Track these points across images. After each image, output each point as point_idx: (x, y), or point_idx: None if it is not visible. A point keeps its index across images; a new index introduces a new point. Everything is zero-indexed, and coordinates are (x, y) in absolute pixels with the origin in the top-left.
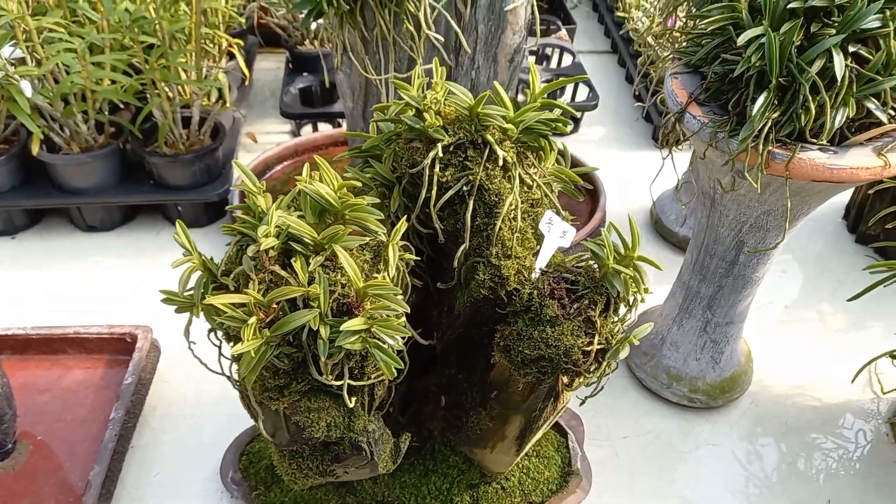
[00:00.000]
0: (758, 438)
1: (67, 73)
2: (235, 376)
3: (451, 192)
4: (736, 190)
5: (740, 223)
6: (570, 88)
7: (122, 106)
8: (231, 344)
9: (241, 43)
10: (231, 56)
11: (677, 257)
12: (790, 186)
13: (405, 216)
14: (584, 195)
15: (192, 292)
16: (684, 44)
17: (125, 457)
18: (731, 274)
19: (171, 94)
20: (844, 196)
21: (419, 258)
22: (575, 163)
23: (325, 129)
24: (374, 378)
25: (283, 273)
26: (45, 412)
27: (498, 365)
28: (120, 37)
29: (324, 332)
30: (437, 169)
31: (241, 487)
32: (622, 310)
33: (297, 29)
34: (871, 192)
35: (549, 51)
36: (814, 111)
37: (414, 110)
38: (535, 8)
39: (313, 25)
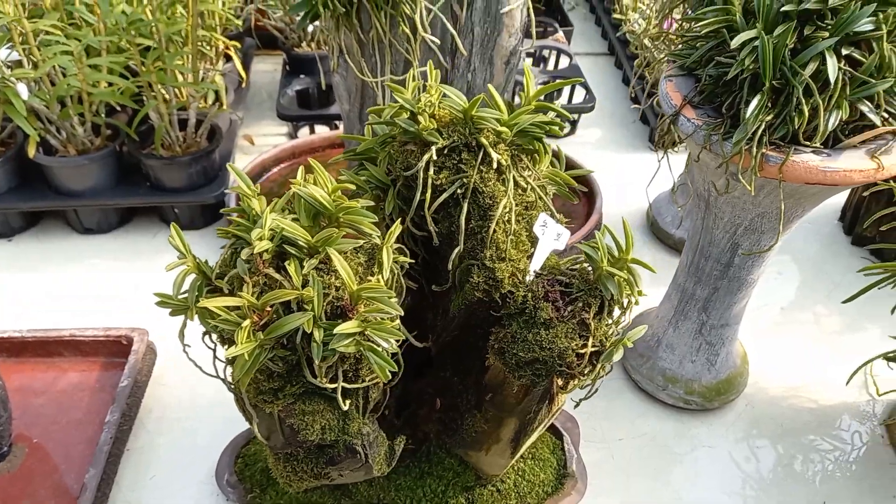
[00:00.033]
0: (754, 440)
1: (64, 75)
2: (230, 379)
3: (445, 195)
4: (730, 192)
5: (735, 225)
6: (566, 90)
7: (118, 108)
8: (225, 347)
9: (238, 45)
10: (228, 58)
11: (674, 259)
12: (784, 189)
13: (400, 219)
14: (580, 197)
15: (186, 295)
16: (679, 46)
17: (121, 459)
18: (726, 276)
19: (167, 97)
20: (840, 198)
21: (414, 261)
22: (571, 165)
23: (322, 131)
24: (369, 381)
25: (277, 276)
26: (41, 415)
27: (492, 367)
28: (117, 39)
29: (317, 335)
30: (431, 172)
31: (237, 490)
32: (616, 312)
33: (294, 31)
34: (865, 193)
35: (546, 53)
36: (807, 114)
37: (408, 113)
38: (531, 10)
39: (310, 28)
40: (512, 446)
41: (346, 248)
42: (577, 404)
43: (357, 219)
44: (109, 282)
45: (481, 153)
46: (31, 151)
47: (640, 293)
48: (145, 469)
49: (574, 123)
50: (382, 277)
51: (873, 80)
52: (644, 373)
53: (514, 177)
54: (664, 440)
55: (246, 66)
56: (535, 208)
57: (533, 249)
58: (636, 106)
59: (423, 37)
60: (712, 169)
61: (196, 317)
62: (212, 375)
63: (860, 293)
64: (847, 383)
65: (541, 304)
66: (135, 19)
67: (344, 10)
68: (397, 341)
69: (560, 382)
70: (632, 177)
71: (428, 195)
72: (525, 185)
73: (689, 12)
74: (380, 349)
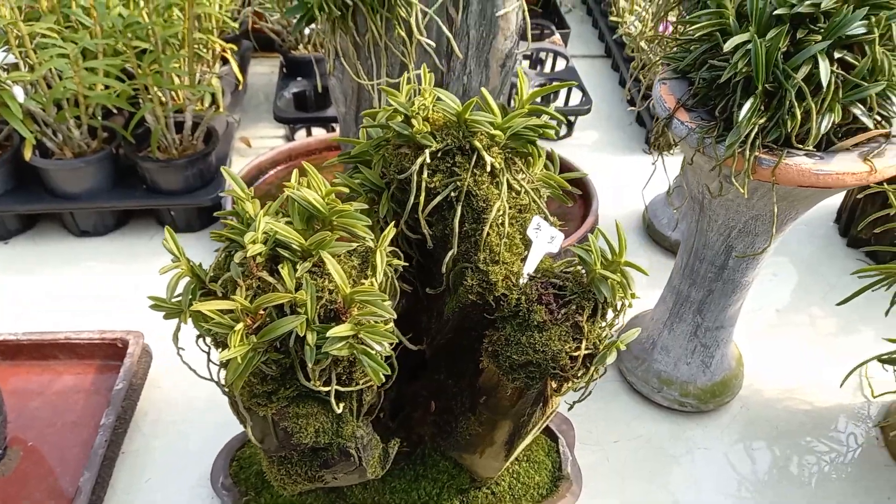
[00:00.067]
0: (749, 442)
1: (60, 78)
2: (224, 382)
3: (439, 198)
4: (723, 195)
5: (729, 228)
6: (563, 93)
7: (115, 111)
8: (219, 350)
9: (235, 48)
10: (225, 61)
11: (669, 261)
12: (777, 192)
13: (393, 222)
14: (576, 200)
15: (180, 298)
16: (674, 49)
17: (116, 462)
18: (720, 278)
19: (163, 99)
20: (836, 200)
21: (408, 264)
22: (567, 167)
23: (319, 133)
24: (363, 384)
25: (270, 279)
26: (36, 418)
27: (486, 370)
28: (113, 42)
29: (310, 338)
30: (425, 175)
31: (232, 493)
32: (610, 315)
33: (291, 34)
34: (860, 196)
35: (543, 55)
36: (800, 117)
37: (402, 116)
38: (527, 13)
39: (307, 30)
40: (506, 449)
41: (339, 251)
42: (571, 407)
43: (350, 222)
44: (106, 284)
45: (475, 156)
46: (28, 154)
47: (633, 296)
48: (140, 472)
49: (571, 125)
50: (376, 280)
51: (866, 84)
52: (639, 375)
53: (507, 180)
54: (659, 442)
55: (243, 69)
56: (529, 211)
57: (527, 252)
58: (633, 108)
59: (419, 40)
60: (706, 172)
61: (190, 320)
62: (206, 379)
63: (854, 295)
64: (841, 385)
65: (534, 306)
66: (131, 22)
67: (340, 13)
68: (391, 344)
69: (554, 385)
70: (628, 179)
71: (422, 198)
72: (519, 188)
73: (685, 15)
74: (373, 352)
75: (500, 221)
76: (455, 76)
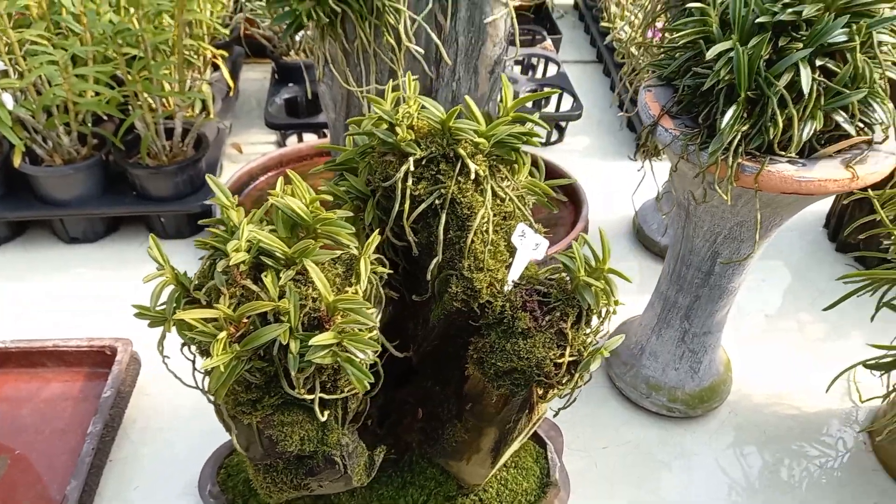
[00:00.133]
0: (738, 448)
1: (50, 84)
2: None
3: (423, 206)
4: (708, 202)
5: (714, 234)
6: (554, 98)
7: (105, 118)
8: (204, 358)
9: (226, 54)
10: (216, 67)
11: (659, 266)
12: (761, 198)
13: (378, 229)
14: (567, 205)
15: (164, 307)
16: (660, 56)
17: (103, 470)
18: (707, 284)
19: (153, 106)
20: (825, 205)
21: (394, 271)
22: (557, 172)
23: (310, 139)
24: (347, 392)
25: (254, 287)
26: (24, 425)
27: (472, 377)
28: (103, 49)
29: (293, 346)
30: (409, 182)
31: (219, 501)
32: (594, 321)
33: (281, 40)
34: (845, 202)
35: (534, 60)
36: (782, 124)
37: (387, 124)
38: (515, 20)
39: (298, 36)
40: (492, 456)
41: (322, 259)
42: (557, 413)
43: (334, 230)
44: (95, 291)
45: (459, 164)
46: (17, 161)
47: (616, 303)
48: (128, 480)
49: (562, 131)
50: (360, 288)
51: (847, 91)
52: (628, 381)
53: (491, 187)
54: (648, 448)
55: (235, 75)
56: (514, 218)
57: (511, 259)
58: (623, 114)
59: (408, 47)
60: (690, 178)
61: (174, 328)
62: (191, 387)
63: (840, 301)
64: (827, 391)
65: (519, 313)
66: (121, 29)
67: (328, 20)
68: (375, 352)
69: (539, 392)
70: (619, 184)
71: (406, 206)
72: (503, 196)
73: (672, 22)
74: (357, 360)
75: (484, 229)
76: (444, 82)
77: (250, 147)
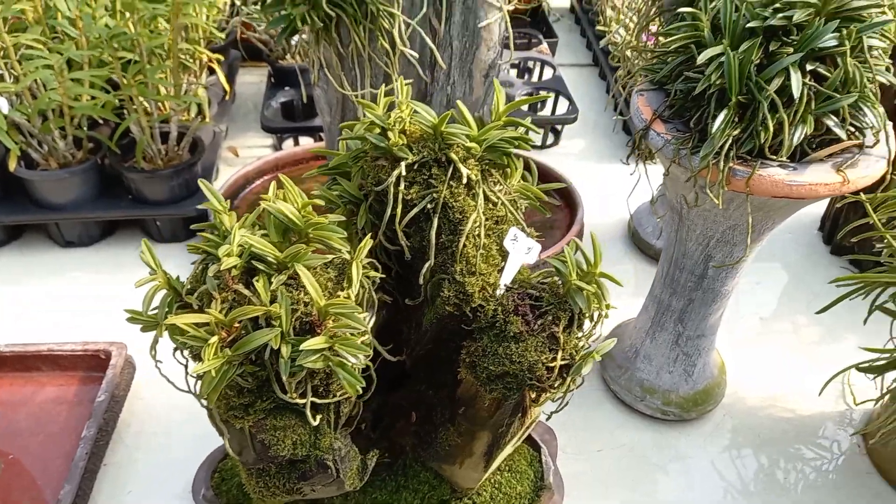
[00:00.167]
0: (732, 450)
1: (45, 88)
2: None
3: (415, 210)
4: (700, 206)
5: (707, 237)
6: (550, 101)
7: (100, 121)
8: (196, 363)
9: (222, 58)
10: (212, 71)
11: (655, 269)
12: (752, 202)
13: (370, 234)
14: (562, 208)
15: (157, 311)
16: (652, 60)
17: (97, 475)
18: (700, 287)
19: (149, 110)
20: (820, 207)
21: (387, 275)
22: (552, 176)
23: (306, 143)
24: (340, 396)
25: (245, 292)
26: (19, 430)
27: (464, 381)
28: (99, 53)
29: (285, 350)
30: (401, 187)
31: None
32: (587, 325)
33: (277, 44)
34: (838, 205)
35: (530, 64)
36: (772, 129)
37: (379, 129)
38: (509, 24)
39: (294, 40)
40: (485, 460)
41: (314, 263)
42: (549, 417)
43: (326, 234)
44: (91, 295)
45: (451, 168)
46: (12, 165)
47: (608, 307)
48: (122, 484)
49: (558, 134)
50: (352, 292)
51: (838, 95)
52: (622, 384)
53: (483, 191)
54: (642, 451)
55: (231, 78)
56: (506, 222)
57: (504, 263)
58: (618, 117)
59: (402, 51)
60: (682, 182)
61: (166, 333)
62: (184, 391)
63: (833, 304)
64: (819, 394)
65: (511, 317)
66: (117, 33)
67: (323, 24)
68: (367, 356)
69: (532, 396)
70: (614, 187)
71: (399, 210)
72: (495, 200)
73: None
74: (349, 364)
75: (476, 233)
76: (439, 87)
77: (246, 151)
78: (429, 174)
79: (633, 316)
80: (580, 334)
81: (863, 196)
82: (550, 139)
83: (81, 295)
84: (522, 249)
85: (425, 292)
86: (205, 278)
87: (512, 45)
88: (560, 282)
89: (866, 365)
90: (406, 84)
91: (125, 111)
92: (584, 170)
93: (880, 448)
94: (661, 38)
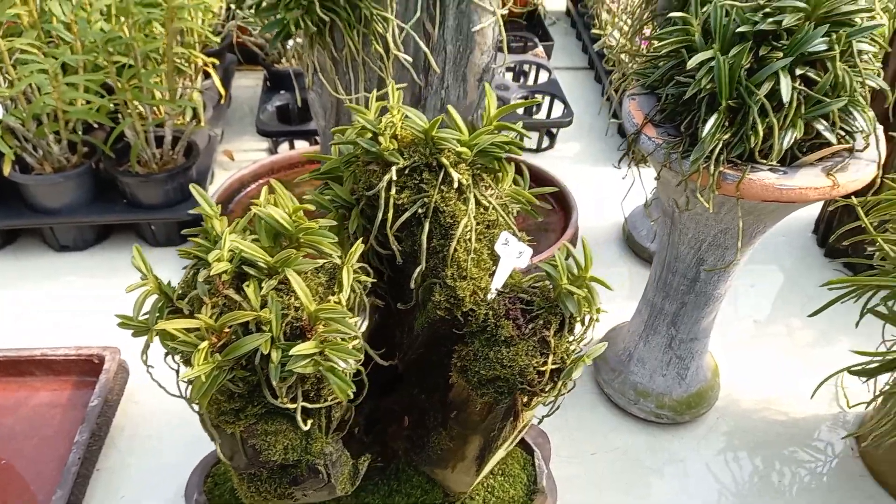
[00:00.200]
0: (725, 453)
1: (40, 93)
2: None
3: (406, 215)
4: (691, 209)
5: (699, 241)
6: (545, 105)
7: (95, 126)
8: (187, 368)
9: (217, 62)
10: (207, 75)
11: (649, 273)
12: (743, 206)
13: (362, 238)
14: (557, 211)
15: (148, 316)
16: (644, 64)
17: (90, 480)
18: (692, 291)
19: (144, 114)
20: (814, 210)
21: (379, 279)
22: (547, 179)
23: (302, 146)
24: (331, 400)
25: (236, 297)
26: (12, 434)
27: (456, 385)
28: (93, 57)
29: (275, 356)
30: (392, 191)
31: None
32: (578, 329)
33: (271, 48)
34: (830, 208)
35: (526, 67)
36: (762, 133)
37: (371, 134)
38: (503, 28)
39: (290, 43)
40: (477, 464)
41: (305, 268)
42: (540, 421)
43: (317, 239)
44: (85, 299)
45: (442, 173)
46: (7, 169)
47: (598, 310)
48: (115, 489)
49: (553, 137)
50: (342, 297)
51: (828, 99)
52: (616, 387)
53: (475, 196)
54: (636, 454)
55: (227, 82)
56: (498, 227)
57: (495, 267)
58: (613, 120)
59: (396, 55)
60: (673, 186)
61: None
62: (176, 396)
63: (824, 307)
64: (812, 396)
65: (502, 321)
66: (112, 37)
67: (316, 29)
68: (358, 361)
69: (524, 400)
70: (609, 190)
71: (390, 214)
72: (486, 204)
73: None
74: (339, 369)
75: (467, 237)
76: (433, 90)
77: (242, 154)
78: (420, 179)
79: (627, 319)
80: (571, 338)
81: (854, 200)
82: (546, 142)
83: (76, 299)
84: (514, 253)
85: (417, 296)
86: (196, 283)
87: (506, 49)
88: (551, 286)
89: (858, 368)
90: (400, 88)
91: (120, 115)
92: (579, 173)
93: (873, 451)
94: (654, 42)
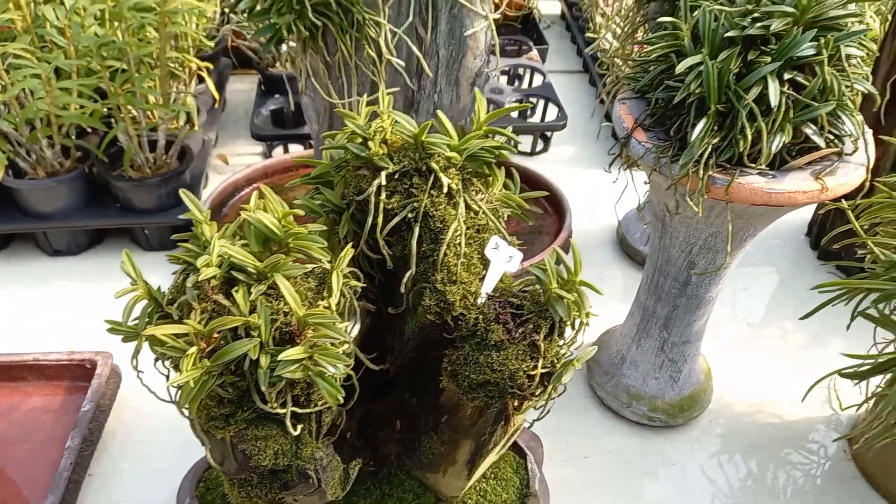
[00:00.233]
0: (718, 456)
1: (33, 97)
2: None
3: (396, 219)
4: (681, 213)
5: (690, 244)
6: (539, 108)
7: (88, 130)
8: (177, 373)
9: (211, 66)
10: (202, 79)
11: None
12: (732, 210)
13: (352, 243)
14: (550, 214)
15: (137, 321)
16: (635, 69)
17: (82, 485)
18: (684, 294)
19: (137, 118)
20: (807, 212)
21: (370, 283)
22: (540, 182)
23: (296, 150)
24: (321, 405)
25: (225, 302)
26: (4, 439)
27: (447, 389)
28: (87, 62)
29: (264, 361)
30: (382, 196)
31: None
32: (568, 333)
33: (264, 52)
34: (820, 211)
35: (521, 71)
36: (751, 137)
37: (361, 138)
38: (495, 32)
39: (284, 48)
40: (468, 468)
41: (294, 273)
42: (531, 424)
43: (306, 244)
44: (79, 303)
45: (432, 178)
46: (0, 174)
47: (588, 314)
48: (107, 494)
49: (547, 140)
50: (332, 302)
51: (816, 104)
52: (609, 390)
53: (465, 200)
54: (629, 457)
55: (222, 86)
56: (488, 231)
57: (485, 272)
58: (607, 123)
59: (389, 59)
60: (663, 190)
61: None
62: (166, 401)
63: (816, 310)
64: (803, 399)
65: (492, 326)
66: (106, 42)
67: (309, 33)
68: (347, 366)
69: (514, 404)
70: (603, 194)
71: (380, 219)
72: (477, 209)
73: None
74: (328, 374)
75: (457, 241)
76: (426, 95)
77: (236, 158)
78: (410, 183)
79: (620, 322)
80: (561, 342)
81: (844, 203)
82: (540, 146)
83: (69, 303)
84: (504, 258)
85: (407, 301)
86: (185, 288)
87: (498, 53)
88: (541, 290)
89: (850, 371)
90: (393, 92)
91: (113, 120)
92: (573, 176)
93: (865, 453)
94: (645, 47)
